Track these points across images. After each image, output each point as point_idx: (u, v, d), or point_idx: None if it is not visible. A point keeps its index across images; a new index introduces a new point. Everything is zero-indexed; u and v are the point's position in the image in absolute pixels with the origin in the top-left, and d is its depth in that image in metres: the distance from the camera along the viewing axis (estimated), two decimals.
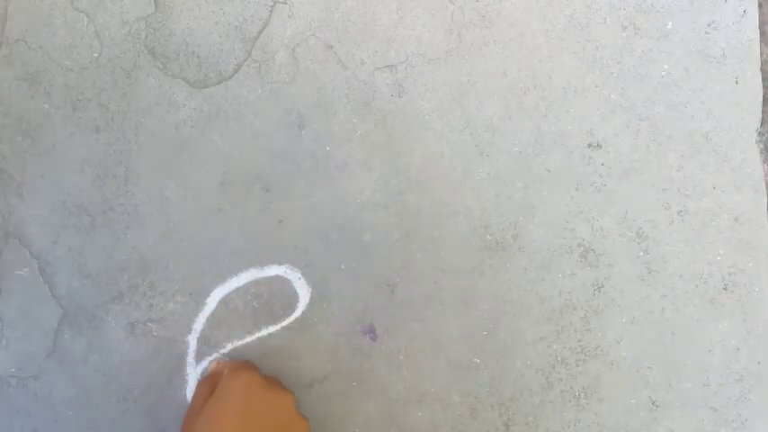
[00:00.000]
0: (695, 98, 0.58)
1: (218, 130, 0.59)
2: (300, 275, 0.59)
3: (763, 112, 0.58)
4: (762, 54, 0.58)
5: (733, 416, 0.58)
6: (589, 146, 0.59)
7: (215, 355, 0.58)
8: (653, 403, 0.58)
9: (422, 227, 0.58)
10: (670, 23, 0.58)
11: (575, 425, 0.58)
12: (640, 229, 0.58)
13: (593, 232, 0.59)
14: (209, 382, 0.54)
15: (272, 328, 0.59)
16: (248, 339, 0.58)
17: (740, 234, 0.58)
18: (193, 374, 0.58)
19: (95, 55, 0.59)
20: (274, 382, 0.55)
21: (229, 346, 0.58)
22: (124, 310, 0.59)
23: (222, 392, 0.52)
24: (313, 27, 0.59)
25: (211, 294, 0.58)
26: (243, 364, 0.55)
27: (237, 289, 0.58)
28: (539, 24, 0.59)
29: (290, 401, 0.53)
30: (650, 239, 0.58)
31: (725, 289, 0.58)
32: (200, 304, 0.58)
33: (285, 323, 0.59)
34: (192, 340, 0.58)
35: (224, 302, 0.58)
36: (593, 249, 0.58)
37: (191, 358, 0.58)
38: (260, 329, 0.59)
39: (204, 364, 0.58)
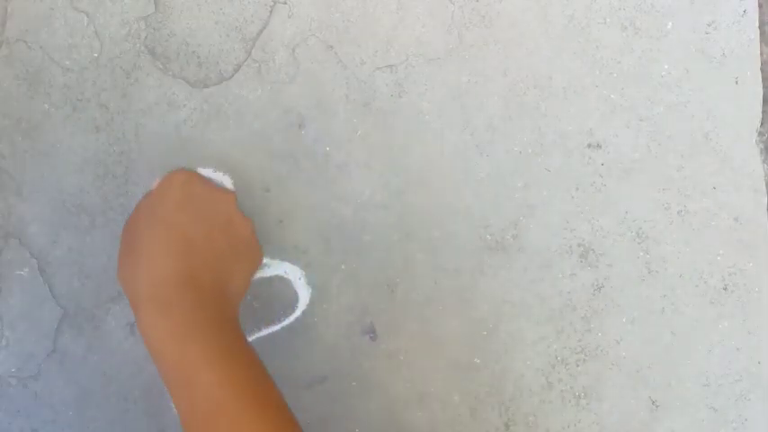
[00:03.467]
0: (695, 98, 0.58)
1: (218, 130, 0.59)
2: (300, 275, 0.59)
3: (763, 112, 0.58)
4: (762, 54, 0.58)
5: (733, 416, 0.58)
6: (589, 146, 0.59)
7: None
8: (653, 403, 0.58)
9: (422, 227, 0.58)
10: (670, 23, 0.58)
11: (575, 425, 0.58)
12: (640, 229, 0.58)
13: (593, 232, 0.59)
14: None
15: (272, 328, 0.59)
16: (248, 339, 0.58)
17: (740, 234, 0.58)
18: None
19: (95, 55, 0.59)
20: (214, 184, 0.54)
21: None
22: (124, 310, 0.59)
23: (162, 186, 0.51)
24: (313, 27, 0.59)
25: None
26: (182, 169, 0.54)
27: None
28: (539, 24, 0.59)
29: (232, 199, 0.53)
30: (650, 239, 0.58)
31: (725, 289, 0.58)
32: None
33: (285, 323, 0.59)
34: None
35: None
36: (593, 249, 0.58)
37: None
38: (260, 329, 0.59)
39: None
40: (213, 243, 0.51)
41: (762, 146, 0.58)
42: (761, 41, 0.58)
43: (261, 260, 0.55)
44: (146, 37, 0.59)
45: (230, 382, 0.45)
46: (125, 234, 0.51)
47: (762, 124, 0.58)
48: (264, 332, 0.58)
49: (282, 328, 0.59)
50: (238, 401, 0.44)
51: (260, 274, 0.58)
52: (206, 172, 0.57)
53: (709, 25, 0.58)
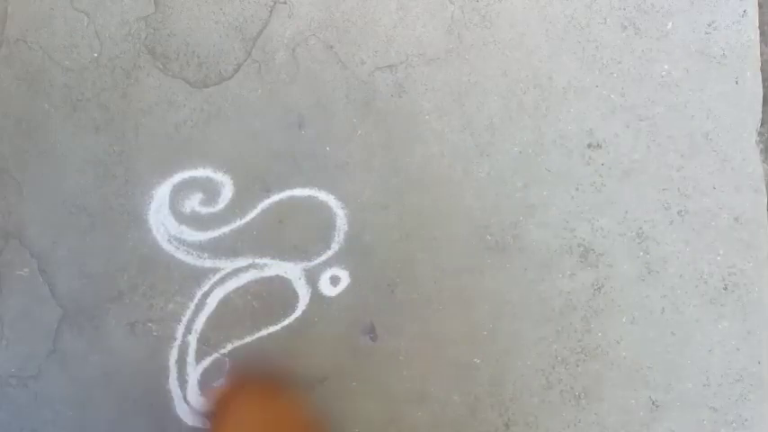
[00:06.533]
0: (695, 98, 0.58)
1: (218, 130, 0.59)
2: (300, 275, 0.59)
3: (763, 112, 0.58)
4: (762, 54, 0.58)
5: (733, 416, 0.58)
6: (589, 146, 0.59)
7: (215, 355, 0.58)
8: (653, 403, 0.58)
9: (422, 227, 0.58)
10: (670, 23, 0.58)
11: (575, 425, 0.58)
12: (640, 229, 0.58)
13: (593, 232, 0.59)
14: (221, 416, 0.54)
15: (272, 328, 0.59)
16: (248, 339, 0.58)
17: (740, 234, 0.58)
18: (193, 374, 0.58)
19: (95, 55, 0.59)
20: (274, 390, 0.55)
21: (229, 346, 0.58)
22: (124, 310, 0.59)
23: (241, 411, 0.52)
24: (313, 27, 0.59)
25: (211, 294, 0.58)
26: (243, 391, 0.54)
27: (237, 289, 0.58)
28: (539, 24, 0.59)
29: (298, 407, 0.54)
30: (650, 239, 0.58)
31: (725, 289, 0.58)
32: (200, 304, 0.58)
33: (285, 323, 0.59)
34: (192, 340, 0.58)
35: (224, 302, 0.58)
36: (593, 249, 0.58)
37: (191, 358, 0.58)
38: (260, 329, 0.59)
39: (204, 364, 0.58)
40: None
41: (762, 146, 0.58)
42: (761, 41, 0.58)
43: None
44: (146, 37, 0.59)
45: None
46: None
47: (762, 124, 0.58)
48: (264, 332, 0.58)
49: (282, 328, 0.59)
50: None
51: (260, 273, 0.58)
52: (206, 172, 0.57)
53: (709, 25, 0.58)
